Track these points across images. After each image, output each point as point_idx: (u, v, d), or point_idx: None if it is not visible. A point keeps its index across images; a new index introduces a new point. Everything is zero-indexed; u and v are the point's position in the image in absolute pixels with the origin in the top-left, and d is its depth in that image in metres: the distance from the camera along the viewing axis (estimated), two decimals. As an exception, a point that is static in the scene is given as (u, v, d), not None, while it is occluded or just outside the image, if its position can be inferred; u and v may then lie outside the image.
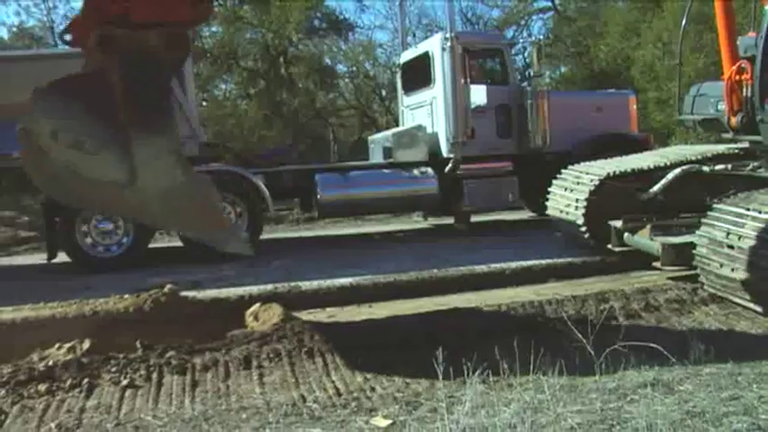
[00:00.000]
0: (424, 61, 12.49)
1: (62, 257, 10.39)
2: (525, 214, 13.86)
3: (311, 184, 11.29)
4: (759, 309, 6.04)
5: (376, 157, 12.83)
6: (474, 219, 12.67)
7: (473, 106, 11.64)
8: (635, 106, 13.46)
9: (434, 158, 11.88)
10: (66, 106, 5.36)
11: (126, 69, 5.41)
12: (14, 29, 26.47)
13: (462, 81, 11.40)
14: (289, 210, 14.54)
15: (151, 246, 10.80)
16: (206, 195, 5.80)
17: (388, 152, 12.12)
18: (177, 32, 5.70)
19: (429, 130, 12.21)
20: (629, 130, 12.94)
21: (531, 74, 12.42)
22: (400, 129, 13.25)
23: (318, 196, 11.18)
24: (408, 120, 13.54)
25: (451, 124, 11.45)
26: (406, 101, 13.80)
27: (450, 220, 13.05)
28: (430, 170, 11.67)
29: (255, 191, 10.61)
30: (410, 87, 13.48)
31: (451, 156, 11.59)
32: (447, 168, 11.58)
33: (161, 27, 5.54)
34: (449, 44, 11.39)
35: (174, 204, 5.58)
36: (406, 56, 13.66)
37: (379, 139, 13.26)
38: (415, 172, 11.65)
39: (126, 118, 5.41)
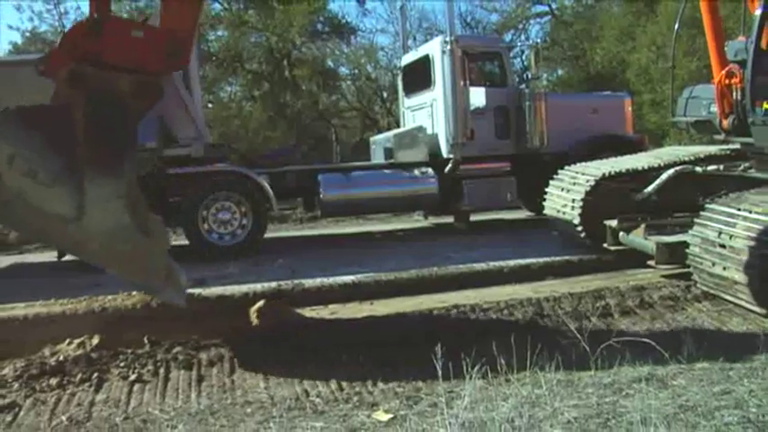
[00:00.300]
0: (424, 64, 12.53)
1: (70, 257, 10.45)
2: (523, 213, 13.88)
3: (314, 184, 11.34)
4: (750, 306, 6.10)
5: (377, 157, 12.88)
6: (473, 218, 12.70)
7: (472, 108, 11.67)
8: (630, 108, 13.46)
9: (434, 159, 11.93)
10: (27, 134, 5.39)
11: (91, 108, 5.50)
12: (27, 34, 26.69)
13: (462, 83, 11.42)
14: (292, 209, 14.55)
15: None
16: (152, 243, 5.75)
17: (389, 153, 12.18)
18: (147, 81, 5.79)
19: (429, 132, 12.26)
20: (625, 131, 12.98)
21: (529, 76, 12.50)
22: (401, 130, 13.29)
23: (321, 196, 11.23)
24: (409, 121, 13.60)
25: (451, 125, 11.49)
26: (406, 102, 13.85)
27: (449, 219, 13.10)
28: (430, 170, 11.70)
29: (260, 190, 10.67)
30: (411, 89, 13.52)
31: (451, 156, 11.62)
32: (447, 169, 11.63)
33: (132, 73, 5.67)
34: (449, 47, 11.42)
35: (114, 247, 5.59)
36: (407, 59, 13.70)
37: (380, 140, 13.31)
38: (416, 172, 11.68)
39: (83, 155, 5.48)
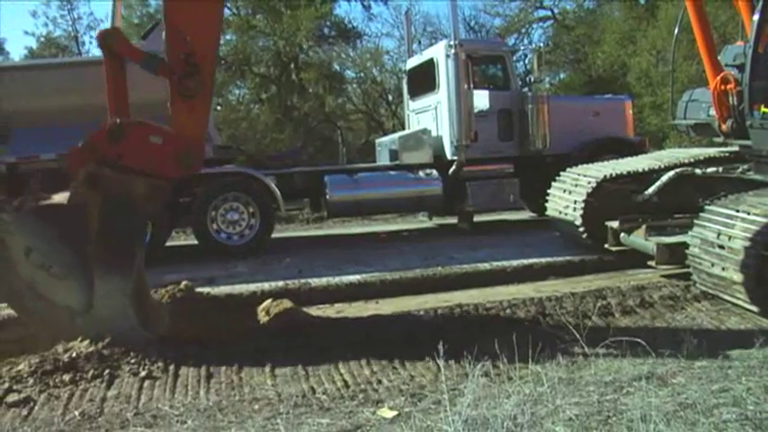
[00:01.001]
0: (428, 67, 12.62)
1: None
2: (526, 214, 13.93)
3: (321, 185, 11.45)
4: (747, 305, 6.18)
5: (383, 159, 12.97)
6: (476, 219, 12.78)
7: (476, 111, 11.75)
8: (631, 111, 13.53)
9: (439, 161, 12.01)
10: (44, 229, 5.73)
11: (106, 209, 5.77)
12: (42, 39, 26.94)
13: (466, 86, 11.48)
14: (299, 210, 14.61)
15: (168, 244, 10.93)
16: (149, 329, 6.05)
17: (394, 155, 12.27)
18: (161, 185, 6.04)
19: (434, 134, 12.34)
20: (626, 133, 13.06)
21: (532, 79, 12.55)
22: (406, 132, 13.37)
23: (328, 197, 11.33)
24: (414, 123, 13.68)
25: (455, 128, 11.55)
26: (411, 105, 13.94)
27: (453, 220, 13.18)
28: (435, 172, 11.80)
29: (267, 191, 10.75)
30: (416, 92, 13.60)
31: (455, 158, 11.71)
32: (451, 170, 11.70)
33: (147, 177, 5.90)
34: (453, 51, 11.48)
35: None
36: (412, 62, 13.79)
37: (385, 142, 13.39)
38: (421, 174, 11.79)
39: (95, 253, 5.77)
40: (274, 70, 25.81)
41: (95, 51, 26.95)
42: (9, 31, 51.59)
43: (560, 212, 9.40)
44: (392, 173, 12.00)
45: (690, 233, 6.83)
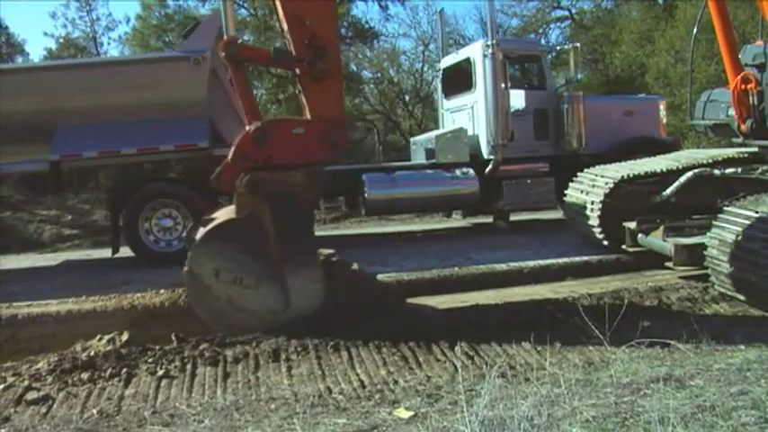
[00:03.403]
0: (465, 67, 12.70)
1: (104, 254, 10.64)
2: (560, 214, 13.85)
3: (358, 184, 11.55)
4: (766, 307, 6.16)
5: (418, 157, 13.09)
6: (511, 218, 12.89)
7: (512, 110, 11.86)
8: (664, 110, 13.49)
9: (475, 160, 12.10)
10: (225, 247, 6.00)
11: (274, 209, 6.01)
12: (61, 40, 27.25)
13: (503, 86, 11.57)
14: (334, 208, 14.72)
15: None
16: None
17: (430, 153, 12.37)
18: (314, 170, 6.24)
19: (470, 133, 12.43)
20: (659, 133, 13.03)
21: (568, 78, 12.58)
22: (443, 131, 13.36)
23: (366, 195, 11.41)
24: (449, 122, 13.76)
25: (492, 127, 11.64)
26: (446, 104, 14.01)
27: (487, 219, 13.33)
28: (471, 171, 11.88)
29: None
30: (451, 91, 13.68)
31: (492, 157, 11.79)
32: (487, 169, 11.77)
33: (301, 168, 6.13)
34: (490, 51, 11.55)
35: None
36: (447, 61, 13.85)
37: (421, 141, 13.48)
38: (458, 172, 11.87)
39: (278, 253, 6.03)
40: (291, 71, 25.88)
41: (113, 52, 27.27)
42: (29, 32, 52.08)
43: (578, 213, 9.36)
44: (429, 171, 12.06)
45: (708, 234, 6.80)
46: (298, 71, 6.31)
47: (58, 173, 10.33)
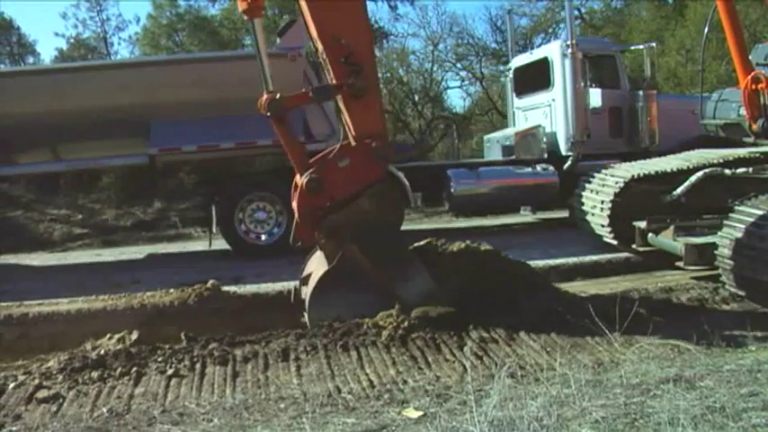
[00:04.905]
0: (540, 66, 13.06)
1: (114, 253, 10.67)
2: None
3: (443, 180, 11.84)
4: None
5: (492, 154, 13.54)
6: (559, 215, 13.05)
7: (589, 108, 12.19)
8: None
9: (552, 156, 12.48)
10: (335, 297, 6.19)
11: (360, 243, 6.11)
12: (72, 40, 27.43)
13: (582, 84, 11.98)
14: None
15: (195, 245, 11.05)
16: None
17: (507, 150, 12.77)
18: (378, 189, 6.31)
19: (547, 130, 12.77)
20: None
21: (645, 77, 12.93)
22: (521, 128, 13.70)
23: (452, 190, 11.75)
24: (520, 120, 14.14)
25: (571, 124, 11.99)
26: (517, 103, 14.38)
27: (556, 215, 13.70)
28: (551, 167, 12.23)
29: (399, 185, 11.02)
30: (523, 90, 14.08)
31: (570, 154, 12.17)
32: (566, 165, 12.12)
33: (363, 193, 6.21)
34: (569, 51, 11.90)
35: None
36: (519, 61, 14.28)
37: (496, 138, 13.91)
38: (538, 168, 12.29)
39: (382, 276, 6.17)
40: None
41: (124, 52, 27.36)
42: (39, 32, 52.35)
43: (587, 213, 9.32)
44: (510, 167, 12.45)
45: (719, 234, 6.78)
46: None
47: (154, 167, 10.56)
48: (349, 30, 6.15)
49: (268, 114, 6.24)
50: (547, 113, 12.99)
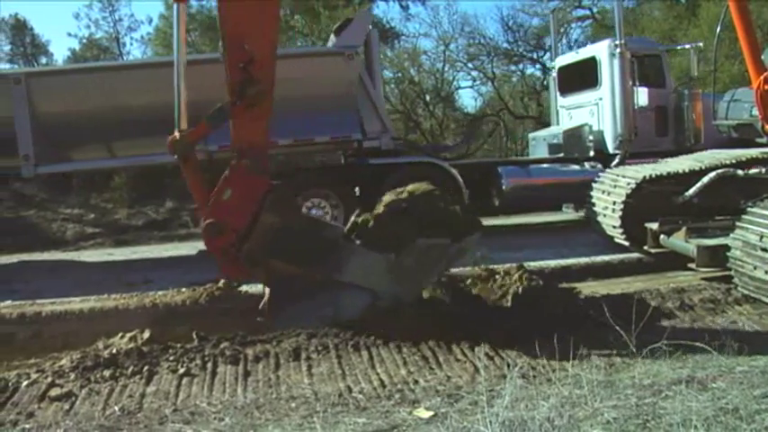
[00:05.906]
0: (588, 65, 13.17)
1: (126, 252, 10.69)
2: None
3: (493, 176, 12.01)
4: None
5: (538, 152, 13.72)
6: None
7: (637, 107, 12.34)
8: None
9: (599, 154, 12.61)
10: (293, 311, 6.23)
11: (283, 255, 6.14)
12: (84, 40, 27.63)
13: (630, 84, 12.15)
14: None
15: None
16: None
17: (554, 148, 12.96)
18: (274, 198, 6.16)
19: (594, 128, 12.88)
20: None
21: (689, 76, 13.26)
22: (568, 126, 13.78)
23: (504, 186, 11.88)
24: (565, 119, 14.22)
25: (619, 123, 12.18)
26: (561, 101, 14.47)
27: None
28: (599, 165, 12.25)
29: (453, 181, 11.06)
30: (568, 89, 14.18)
31: (617, 152, 12.30)
32: (614, 163, 12.04)
33: (261, 210, 6.07)
34: (618, 50, 12.11)
35: None
36: (565, 60, 14.43)
37: (543, 136, 14.10)
38: (587, 165, 12.42)
39: (319, 274, 6.21)
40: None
41: (136, 53, 27.47)
42: (52, 33, 52.67)
43: (599, 214, 9.30)
44: (559, 165, 12.68)
45: (731, 235, 6.76)
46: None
47: (212, 163, 10.63)
48: (254, 35, 5.92)
49: (175, 156, 6.14)
50: (593, 112, 13.13)
